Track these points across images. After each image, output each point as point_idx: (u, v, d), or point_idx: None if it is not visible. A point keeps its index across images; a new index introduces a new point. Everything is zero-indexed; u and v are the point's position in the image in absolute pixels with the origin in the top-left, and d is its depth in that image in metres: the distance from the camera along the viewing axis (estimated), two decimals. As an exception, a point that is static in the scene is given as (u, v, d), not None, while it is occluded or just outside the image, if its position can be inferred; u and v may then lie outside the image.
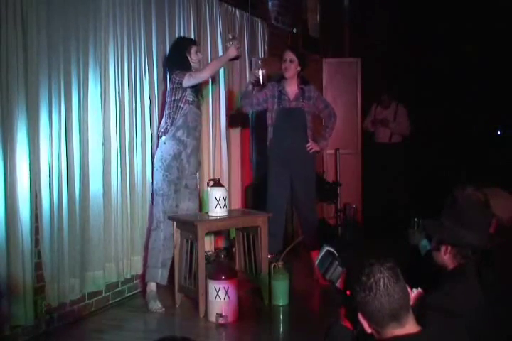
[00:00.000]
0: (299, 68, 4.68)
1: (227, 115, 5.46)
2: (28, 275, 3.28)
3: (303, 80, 4.76)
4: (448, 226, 2.16)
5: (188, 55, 4.13)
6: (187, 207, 4.19)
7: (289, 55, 4.65)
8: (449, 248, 2.16)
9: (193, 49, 4.16)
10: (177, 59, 4.14)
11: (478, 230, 2.14)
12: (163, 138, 4.06)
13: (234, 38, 4.19)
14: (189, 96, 4.06)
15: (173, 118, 4.04)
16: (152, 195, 4.19)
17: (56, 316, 3.56)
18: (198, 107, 4.20)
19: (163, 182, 4.03)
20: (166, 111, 4.10)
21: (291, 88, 4.71)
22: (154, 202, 4.11)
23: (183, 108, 4.05)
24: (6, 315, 3.16)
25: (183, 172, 4.10)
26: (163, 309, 3.95)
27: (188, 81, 4.00)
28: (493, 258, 2.17)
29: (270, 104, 4.69)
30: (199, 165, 4.37)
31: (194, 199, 4.26)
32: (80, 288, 3.71)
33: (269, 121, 4.73)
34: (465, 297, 2.00)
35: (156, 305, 3.95)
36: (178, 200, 4.13)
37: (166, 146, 4.05)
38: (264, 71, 4.42)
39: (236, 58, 4.16)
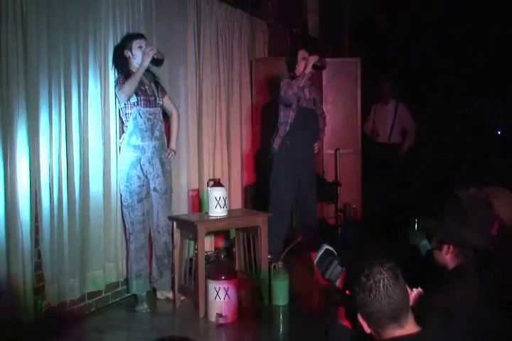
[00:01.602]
0: None
1: (227, 115, 5.47)
2: (28, 275, 3.28)
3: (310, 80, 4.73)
4: (451, 225, 2.16)
5: (127, 53, 3.90)
6: (157, 211, 4.05)
7: (306, 55, 4.61)
8: (452, 247, 2.15)
9: (135, 44, 3.89)
10: (114, 59, 3.96)
11: (481, 230, 2.13)
12: (121, 148, 3.94)
13: (140, 47, 3.89)
14: (132, 98, 3.87)
15: (127, 126, 3.91)
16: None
17: (56, 316, 3.56)
18: (150, 104, 3.93)
19: (126, 193, 3.93)
20: (124, 120, 3.97)
21: (305, 88, 4.69)
22: (122, 214, 4.02)
23: (130, 113, 3.88)
24: (6, 315, 3.16)
25: (147, 177, 3.95)
26: (149, 310, 3.95)
27: (119, 96, 3.86)
28: (495, 259, 2.17)
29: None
30: (167, 164, 4.06)
31: (165, 203, 4.05)
32: (80, 288, 3.71)
33: (284, 119, 4.60)
34: (465, 297, 2.00)
35: (142, 306, 3.96)
36: (145, 208, 3.99)
37: (123, 156, 3.93)
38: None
39: (157, 63, 3.90)
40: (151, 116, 3.93)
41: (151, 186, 3.99)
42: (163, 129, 4.06)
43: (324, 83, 6.03)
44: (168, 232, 4.09)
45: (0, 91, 3.14)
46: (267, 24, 6.28)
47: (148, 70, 3.99)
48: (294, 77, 4.64)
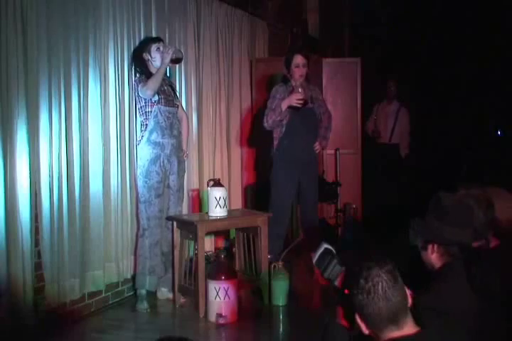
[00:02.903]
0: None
1: (227, 115, 5.47)
2: (28, 275, 3.28)
3: (307, 79, 4.73)
4: (432, 225, 2.17)
5: (146, 55, 4.00)
6: (168, 207, 4.11)
7: (302, 60, 4.59)
8: (436, 247, 2.16)
9: (153, 47, 4.00)
10: (134, 62, 4.07)
11: (463, 227, 2.14)
12: (140, 145, 4.02)
13: (158, 48, 3.98)
14: (154, 97, 3.94)
15: (146, 124, 3.98)
16: (136, 201, 4.13)
17: (56, 316, 3.56)
18: (169, 103, 4.04)
19: (144, 189, 3.97)
20: (139, 119, 4.05)
21: (301, 88, 4.68)
22: (138, 210, 4.07)
23: (151, 111, 3.96)
24: (6, 315, 3.16)
25: (165, 173, 4.02)
26: (149, 309, 3.95)
27: (143, 93, 3.91)
28: (483, 256, 2.17)
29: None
30: (182, 163, 4.17)
31: (176, 200, 4.14)
32: (80, 288, 3.71)
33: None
34: (453, 296, 2.01)
35: (142, 305, 3.95)
36: (163, 203, 4.04)
37: (144, 152, 3.99)
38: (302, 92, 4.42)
39: (177, 61, 4.01)
40: (170, 115, 4.03)
41: (166, 182, 4.05)
42: (180, 129, 4.16)
43: (324, 83, 6.03)
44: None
45: (0, 91, 3.14)
46: (267, 24, 6.28)
47: (164, 75, 4.06)
48: (286, 79, 4.67)
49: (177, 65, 4.66)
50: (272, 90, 4.69)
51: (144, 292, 4.01)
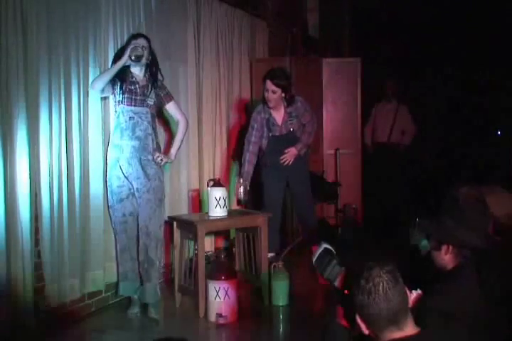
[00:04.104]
0: (283, 95, 4.59)
1: (227, 115, 5.47)
2: (28, 275, 3.28)
3: (288, 100, 4.67)
4: (450, 226, 2.15)
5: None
6: (137, 214, 3.83)
7: (271, 86, 4.52)
8: (451, 248, 2.15)
9: (132, 44, 3.73)
10: (113, 59, 3.85)
11: (479, 230, 2.13)
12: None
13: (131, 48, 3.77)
14: (118, 96, 3.77)
15: None
16: None
17: (56, 316, 3.56)
18: (135, 103, 3.77)
19: (109, 194, 3.85)
20: None
21: (279, 113, 4.71)
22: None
23: (116, 111, 3.81)
24: (6, 315, 3.16)
25: (128, 177, 3.78)
26: (138, 314, 3.86)
27: (93, 89, 3.73)
28: (493, 258, 2.17)
29: (262, 132, 4.74)
30: (150, 167, 3.80)
31: (145, 205, 3.76)
32: (80, 288, 3.71)
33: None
34: (463, 297, 2.00)
35: (131, 310, 3.87)
36: (131, 208, 3.83)
37: (107, 155, 3.86)
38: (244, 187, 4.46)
39: (134, 59, 3.71)
40: (134, 115, 3.77)
41: (134, 187, 3.82)
42: (150, 131, 3.81)
43: (324, 83, 6.04)
44: (146, 234, 3.78)
45: (0, 91, 3.14)
46: (267, 24, 6.28)
47: (152, 74, 3.91)
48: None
49: (178, 65, 4.67)
50: (252, 115, 4.76)
51: (136, 297, 3.93)
